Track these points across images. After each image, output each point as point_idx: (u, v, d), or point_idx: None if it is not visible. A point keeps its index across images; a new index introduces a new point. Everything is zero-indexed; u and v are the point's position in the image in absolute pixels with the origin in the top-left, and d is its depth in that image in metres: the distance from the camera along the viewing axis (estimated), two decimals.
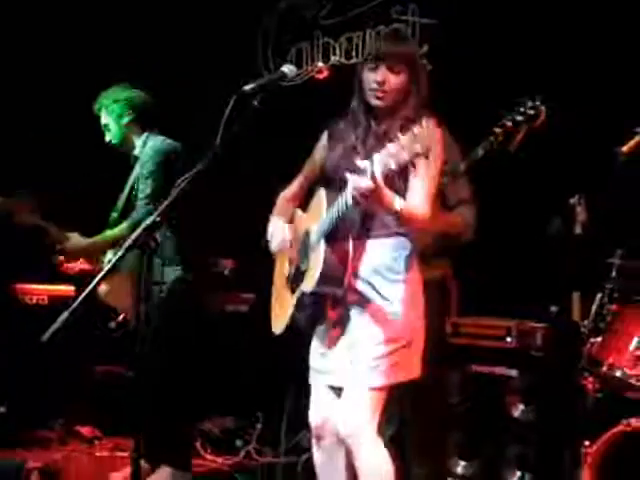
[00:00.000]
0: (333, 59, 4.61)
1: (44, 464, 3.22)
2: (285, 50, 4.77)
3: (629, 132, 2.74)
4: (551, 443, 3.11)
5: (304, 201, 2.55)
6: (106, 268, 2.06)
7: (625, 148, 2.67)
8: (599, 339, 2.78)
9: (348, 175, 2.07)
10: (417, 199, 2.25)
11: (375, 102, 2.34)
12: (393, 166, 1.92)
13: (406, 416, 3.13)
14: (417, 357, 2.36)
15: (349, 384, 2.31)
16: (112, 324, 3.46)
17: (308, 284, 2.30)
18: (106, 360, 4.15)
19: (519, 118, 2.66)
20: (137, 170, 3.41)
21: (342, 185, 2.21)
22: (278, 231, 2.49)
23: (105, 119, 3.43)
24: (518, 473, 3.26)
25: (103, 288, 3.30)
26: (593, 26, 3.51)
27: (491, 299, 3.53)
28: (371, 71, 2.33)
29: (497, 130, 2.73)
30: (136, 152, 3.45)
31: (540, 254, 3.31)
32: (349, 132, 2.42)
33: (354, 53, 4.56)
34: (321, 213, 2.29)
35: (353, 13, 4.55)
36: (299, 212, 2.56)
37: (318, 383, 2.45)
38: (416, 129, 1.88)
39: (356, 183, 2.03)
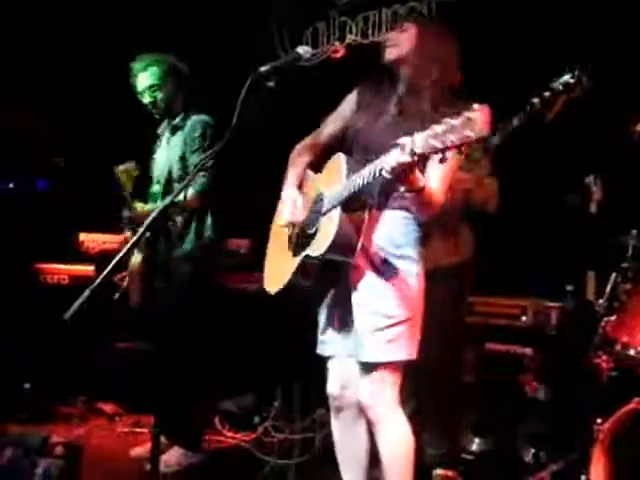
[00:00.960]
0: (349, 38, 4.60)
1: (67, 439, 3.28)
2: (301, 30, 4.76)
3: None
4: (565, 421, 3.13)
5: (319, 159, 2.54)
6: (126, 247, 2.09)
7: (639, 127, 2.65)
8: (613, 318, 2.78)
9: (385, 157, 2.03)
10: (437, 185, 2.24)
11: (386, 57, 2.41)
12: (439, 146, 1.85)
13: (421, 395, 3.17)
14: (418, 334, 2.37)
15: (361, 357, 2.33)
16: (116, 295, 3.52)
17: (318, 248, 2.28)
18: (127, 337, 4.21)
19: (558, 87, 2.65)
20: (178, 140, 3.42)
21: (364, 152, 2.25)
22: (290, 202, 2.48)
23: (150, 80, 3.41)
24: (532, 450, 3.29)
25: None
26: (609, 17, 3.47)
27: (506, 278, 3.54)
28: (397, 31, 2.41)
29: (535, 100, 2.70)
30: (176, 122, 3.46)
31: (556, 233, 3.31)
32: (377, 100, 2.43)
33: (370, 32, 4.54)
34: (339, 179, 2.27)
35: None
36: (311, 174, 2.55)
37: (324, 353, 2.47)
38: (470, 114, 1.80)
39: (394, 158, 1.99)
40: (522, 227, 3.56)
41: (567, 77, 2.64)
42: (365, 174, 2.14)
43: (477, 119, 1.79)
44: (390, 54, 2.41)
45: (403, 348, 2.31)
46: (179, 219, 3.34)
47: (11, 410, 3.78)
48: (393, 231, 2.33)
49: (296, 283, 2.43)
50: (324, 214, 2.32)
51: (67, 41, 4.84)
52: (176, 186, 3.34)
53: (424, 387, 3.10)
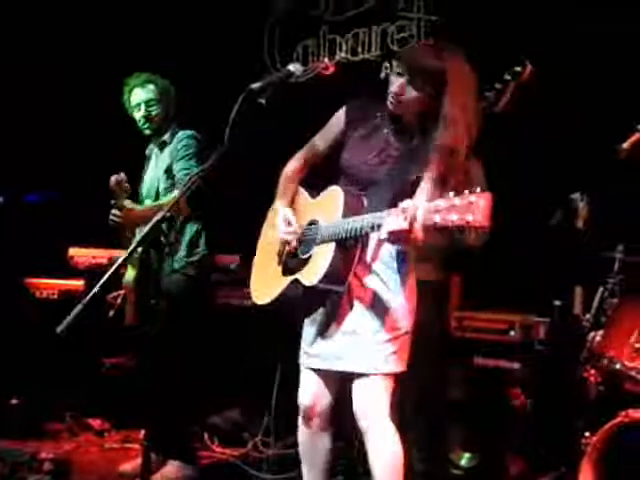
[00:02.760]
0: (339, 56, 4.64)
1: (56, 455, 3.27)
2: (291, 47, 4.81)
3: (630, 128, 2.77)
4: (553, 435, 3.15)
5: (310, 174, 2.59)
6: (119, 261, 2.10)
7: (626, 144, 2.70)
8: (600, 332, 2.82)
9: (386, 216, 2.09)
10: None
11: (390, 106, 2.38)
12: (439, 222, 1.90)
13: (409, 410, 3.18)
14: (409, 348, 2.43)
15: (360, 369, 2.37)
16: (110, 313, 3.52)
17: (309, 278, 2.34)
18: (115, 352, 4.21)
19: (506, 76, 2.75)
20: (166, 155, 3.46)
21: (354, 181, 2.33)
22: (284, 220, 2.50)
23: (147, 95, 3.47)
24: (520, 464, 3.30)
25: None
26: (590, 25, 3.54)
27: (494, 293, 3.56)
28: (395, 76, 2.35)
29: (488, 94, 2.78)
30: (165, 137, 3.50)
31: (543, 248, 3.35)
32: (369, 127, 2.44)
33: (360, 49, 4.59)
34: (335, 214, 2.32)
35: (359, 10, 4.58)
36: (304, 193, 2.59)
37: (311, 366, 2.50)
38: (474, 198, 1.83)
39: (393, 225, 2.04)
40: (510, 242, 3.59)
41: (515, 67, 2.76)
42: (363, 224, 2.19)
43: (480, 206, 1.82)
44: (398, 110, 2.37)
45: (401, 360, 2.39)
46: (172, 233, 3.35)
47: None
48: (385, 250, 2.39)
49: (285, 300, 2.48)
50: (318, 243, 2.37)
51: (57, 54, 4.87)
52: (163, 199, 3.36)
53: (412, 402, 3.11)
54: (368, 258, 2.38)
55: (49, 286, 4.34)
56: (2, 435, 3.68)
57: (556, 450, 3.11)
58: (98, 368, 4.22)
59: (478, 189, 1.84)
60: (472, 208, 1.82)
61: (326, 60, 4.55)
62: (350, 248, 2.31)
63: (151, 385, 3.33)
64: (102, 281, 2.00)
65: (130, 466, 3.44)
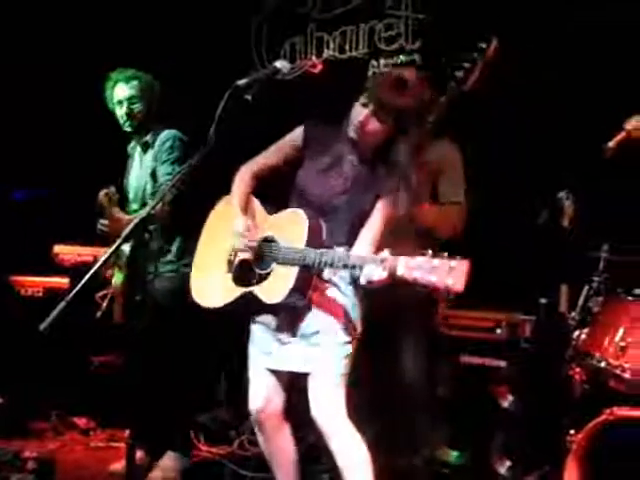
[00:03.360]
0: (327, 53, 4.64)
1: (40, 453, 3.24)
2: (279, 45, 4.80)
3: (616, 127, 2.78)
4: (539, 433, 3.16)
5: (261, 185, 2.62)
6: (102, 259, 2.09)
7: (612, 143, 2.71)
8: (586, 331, 2.83)
9: (367, 265, 2.14)
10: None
11: (352, 135, 2.41)
12: (419, 279, 1.98)
13: (395, 408, 3.19)
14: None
15: (318, 370, 2.42)
16: (98, 313, 3.50)
17: (270, 297, 2.38)
18: (102, 351, 4.18)
19: (473, 54, 2.82)
20: (150, 157, 3.42)
21: (306, 202, 2.40)
22: (243, 228, 2.49)
23: (130, 91, 3.40)
24: (507, 462, 3.32)
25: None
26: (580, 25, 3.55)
27: (481, 292, 3.56)
28: (361, 106, 2.38)
29: (458, 74, 2.83)
30: (147, 138, 3.45)
31: (529, 247, 3.36)
32: (331, 153, 2.47)
33: (347, 47, 4.59)
34: (298, 239, 2.35)
35: (347, 7, 4.57)
36: (258, 204, 2.61)
37: (260, 368, 2.54)
38: (454, 263, 1.93)
39: (374, 275, 2.11)
40: (496, 241, 3.61)
41: (481, 44, 2.84)
42: (335, 261, 2.22)
43: (459, 272, 1.92)
44: (361, 140, 2.40)
45: (346, 363, 2.46)
46: (158, 237, 3.32)
47: None
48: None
49: (235, 307, 2.52)
50: (279, 263, 2.39)
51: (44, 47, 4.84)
52: (150, 203, 3.33)
53: (398, 400, 3.12)
54: (325, 271, 2.42)
55: (34, 284, 4.31)
56: None
57: (542, 448, 3.12)
58: (84, 366, 4.20)
59: (457, 258, 1.93)
60: (452, 273, 1.92)
61: (313, 58, 4.59)
62: (312, 272, 2.37)
63: (140, 383, 3.31)
64: (85, 278, 1.99)
65: (121, 465, 3.42)
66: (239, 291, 2.50)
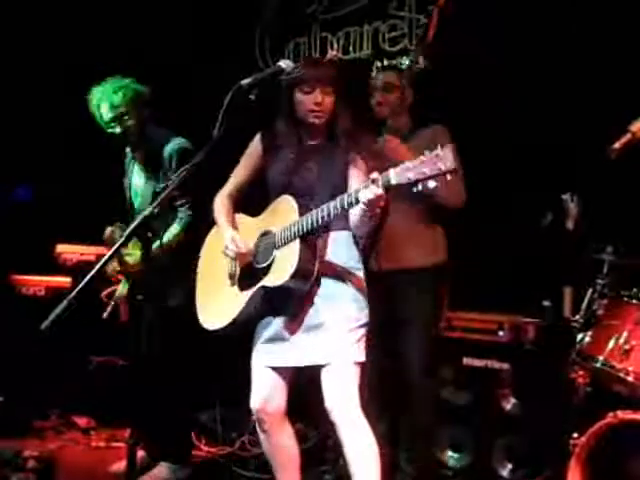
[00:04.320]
0: (330, 54, 4.63)
1: (40, 453, 3.24)
2: (283, 45, 4.80)
3: (620, 129, 2.77)
4: (541, 435, 3.15)
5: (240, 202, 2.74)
6: (104, 258, 2.08)
7: (616, 145, 2.70)
8: (589, 333, 2.81)
9: (360, 187, 2.25)
10: None
11: (314, 120, 2.55)
12: (413, 178, 2.07)
13: (398, 410, 3.18)
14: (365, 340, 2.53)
15: (330, 359, 2.43)
16: (105, 313, 3.48)
17: (278, 278, 2.41)
18: (103, 350, 4.18)
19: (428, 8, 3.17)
20: (155, 173, 3.29)
21: (296, 195, 2.46)
22: (231, 240, 2.58)
23: (117, 110, 3.24)
24: (509, 465, 3.30)
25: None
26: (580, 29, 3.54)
27: (484, 294, 3.56)
28: (307, 94, 2.53)
29: (419, 33, 3.12)
30: (149, 151, 3.31)
31: (533, 249, 3.35)
32: (284, 146, 2.61)
33: (351, 48, 4.59)
34: (291, 215, 2.43)
35: (351, 8, 4.57)
36: (244, 216, 2.71)
37: (262, 367, 2.56)
38: (439, 151, 2.03)
39: (370, 193, 2.20)
40: (499, 242, 3.60)
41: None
42: (331, 208, 2.31)
43: (446, 154, 2.02)
44: (323, 119, 2.56)
45: (363, 350, 2.49)
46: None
47: None
48: (340, 248, 2.53)
49: (245, 315, 2.53)
50: (278, 247, 2.45)
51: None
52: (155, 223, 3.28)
53: (402, 400, 3.11)
54: (325, 255, 2.48)
55: (36, 283, 4.31)
56: None
57: (544, 451, 3.11)
58: (85, 366, 4.19)
59: (441, 147, 2.05)
60: (440, 157, 2.02)
61: None
62: (313, 244, 2.41)
63: (143, 384, 3.30)
64: (87, 278, 1.98)
65: (122, 465, 3.40)
66: (248, 295, 2.51)
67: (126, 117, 3.27)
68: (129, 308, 3.40)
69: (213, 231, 2.79)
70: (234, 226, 2.68)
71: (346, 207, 2.28)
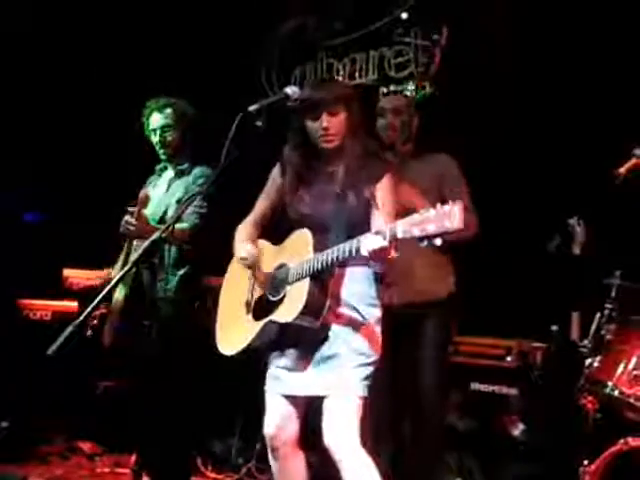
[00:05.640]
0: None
1: (46, 479, 3.22)
2: (289, 71, 4.83)
3: (626, 154, 2.78)
4: (550, 462, 3.11)
5: (263, 233, 2.70)
6: (111, 284, 2.08)
7: (622, 170, 2.70)
8: (598, 359, 2.79)
9: (365, 237, 2.21)
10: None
11: (325, 145, 2.50)
12: (418, 234, 2.03)
13: (405, 436, 3.16)
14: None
15: (334, 394, 2.41)
16: (88, 332, 3.47)
17: (286, 315, 2.40)
18: (108, 375, 4.16)
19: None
20: (181, 185, 3.43)
21: (312, 226, 2.44)
22: (254, 266, 2.58)
23: (164, 120, 3.43)
24: None
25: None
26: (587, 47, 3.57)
27: (491, 319, 3.55)
28: (314, 120, 2.49)
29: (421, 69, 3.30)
30: (184, 167, 3.47)
31: (540, 274, 3.34)
32: (301, 175, 2.57)
33: (357, 74, 4.62)
34: (306, 252, 2.41)
35: (357, 35, 4.61)
36: (266, 243, 2.69)
37: (275, 395, 2.55)
38: (446, 207, 1.99)
39: (373, 244, 2.16)
40: (507, 268, 3.59)
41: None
42: (340, 251, 2.29)
43: (453, 212, 1.98)
44: (334, 143, 2.50)
45: (367, 386, 2.45)
46: (171, 253, 3.32)
47: None
48: (355, 285, 2.49)
49: (258, 344, 2.54)
50: (290, 283, 2.44)
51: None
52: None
53: (408, 427, 3.09)
54: (340, 290, 2.45)
55: (42, 307, 4.32)
56: None
57: (554, 478, 3.07)
58: (90, 391, 4.18)
59: (450, 203, 2.01)
60: (448, 216, 1.99)
61: None
62: (324, 282, 2.40)
63: (146, 410, 3.28)
64: (94, 303, 1.98)
65: None
66: (259, 325, 2.52)
67: (168, 131, 3.45)
68: (129, 330, 3.38)
69: (234, 260, 2.77)
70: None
71: (347, 256, 2.26)
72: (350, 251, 2.24)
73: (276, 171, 2.66)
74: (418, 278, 3.09)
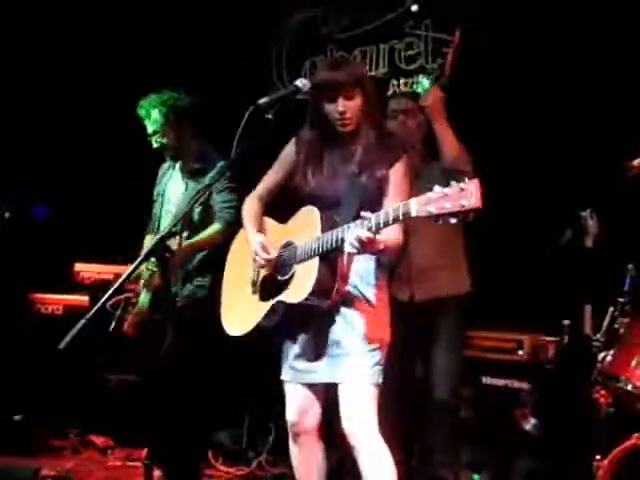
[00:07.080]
0: None
1: (58, 472, 3.24)
2: (300, 64, 4.82)
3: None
4: (563, 457, 3.10)
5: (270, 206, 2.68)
6: (123, 276, 2.08)
7: (635, 162, 2.67)
8: (611, 353, 2.77)
9: (349, 227, 2.21)
10: (392, 234, 2.34)
11: (342, 129, 2.48)
12: (434, 212, 1.98)
13: (416, 430, 3.16)
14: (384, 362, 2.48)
15: (347, 379, 2.41)
16: (112, 324, 3.45)
17: (295, 295, 2.39)
18: (121, 370, 4.18)
19: (443, 49, 3.34)
20: (201, 185, 3.15)
21: (324, 204, 2.41)
22: (260, 246, 2.54)
23: (152, 127, 3.32)
24: None
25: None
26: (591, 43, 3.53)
27: (503, 312, 3.53)
28: (330, 103, 2.45)
29: (434, 69, 3.23)
30: (198, 166, 3.34)
31: (552, 267, 3.32)
32: (316, 153, 2.54)
33: (368, 67, 4.60)
34: (314, 231, 2.39)
35: (368, 27, 4.59)
36: (271, 221, 2.66)
37: (295, 382, 2.54)
38: (463, 185, 1.94)
39: (354, 234, 2.16)
40: (519, 261, 3.57)
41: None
42: (334, 237, 2.28)
43: (471, 190, 1.92)
44: (351, 126, 2.47)
45: (381, 372, 2.44)
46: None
47: (1, 442, 3.73)
48: (363, 268, 2.46)
49: (265, 325, 2.52)
50: (298, 262, 2.42)
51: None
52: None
53: (418, 421, 3.09)
54: (347, 272, 2.43)
55: (54, 301, 4.33)
56: (5, 451, 3.66)
57: (566, 473, 3.06)
58: (103, 384, 4.19)
59: (466, 181, 1.95)
60: (464, 194, 1.92)
61: None
62: (332, 261, 2.36)
63: (159, 405, 3.28)
64: (106, 297, 1.99)
65: None
66: (267, 305, 2.50)
67: (158, 136, 3.34)
68: (142, 323, 3.37)
69: (239, 235, 2.75)
70: (261, 230, 2.63)
71: (335, 244, 2.25)
72: (336, 240, 2.24)
73: (289, 149, 2.63)
74: (436, 275, 3.11)
